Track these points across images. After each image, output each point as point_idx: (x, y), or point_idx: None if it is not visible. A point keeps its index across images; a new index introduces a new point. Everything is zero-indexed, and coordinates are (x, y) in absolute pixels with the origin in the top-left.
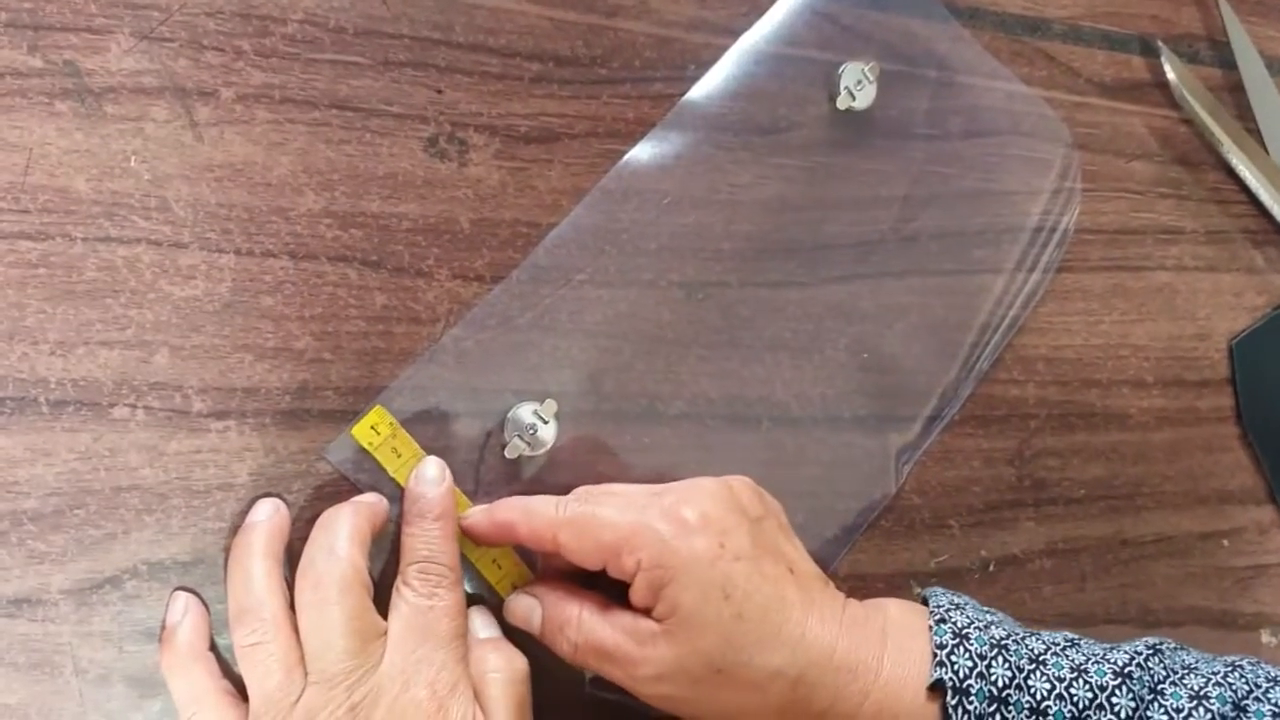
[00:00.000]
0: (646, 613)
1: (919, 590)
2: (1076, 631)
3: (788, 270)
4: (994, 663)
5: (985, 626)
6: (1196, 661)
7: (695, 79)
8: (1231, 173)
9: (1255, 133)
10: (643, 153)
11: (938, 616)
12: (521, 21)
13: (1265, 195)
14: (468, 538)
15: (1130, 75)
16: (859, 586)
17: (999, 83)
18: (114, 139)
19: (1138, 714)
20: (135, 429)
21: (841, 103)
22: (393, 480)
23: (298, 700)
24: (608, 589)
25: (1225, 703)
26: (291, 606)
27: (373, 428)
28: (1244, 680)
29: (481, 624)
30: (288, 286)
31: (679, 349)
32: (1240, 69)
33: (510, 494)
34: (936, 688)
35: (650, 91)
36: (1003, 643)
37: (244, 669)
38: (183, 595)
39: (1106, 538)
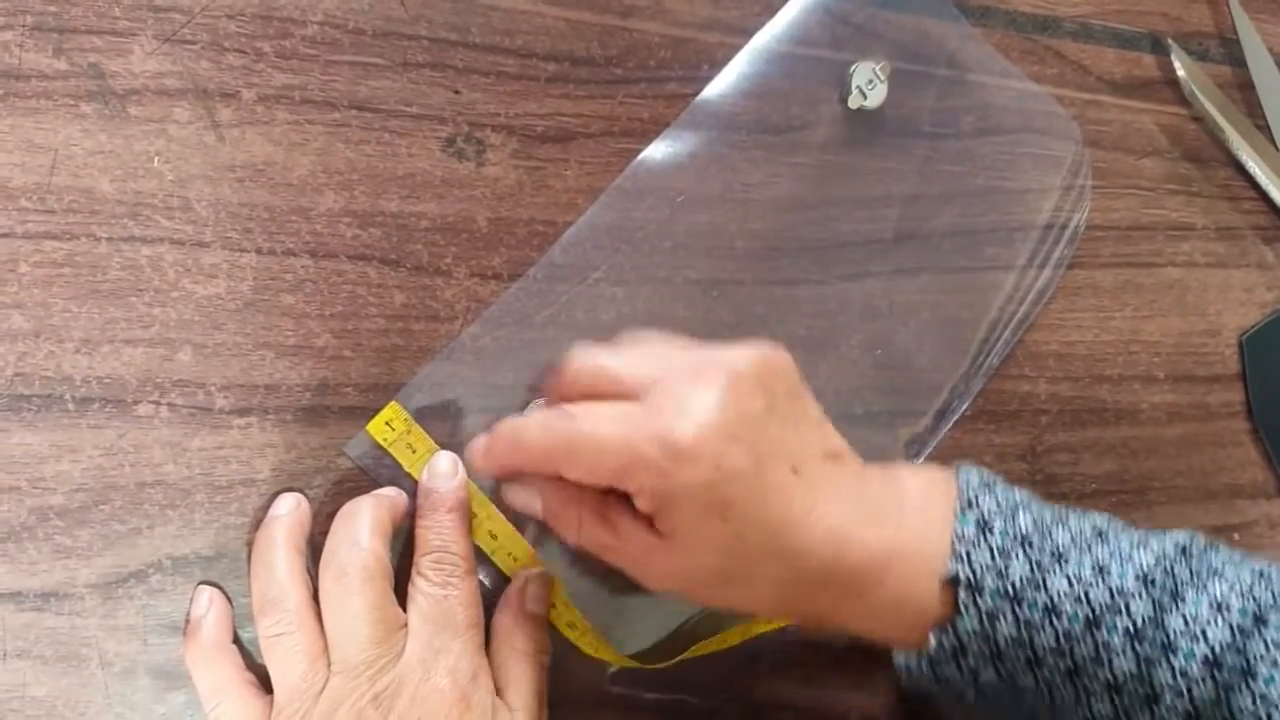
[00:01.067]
0: (649, 520)
1: (959, 467)
2: None
3: (801, 268)
4: (1014, 558)
5: (1012, 514)
6: (1225, 565)
7: (709, 79)
8: (1241, 169)
9: (1265, 129)
10: (657, 152)
11: (965, 500)
12: (538, 22)
13: (1275, 191)
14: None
15: (1140, 73)
16: None
17: (1010, 81)
18: (137, 140)
19: (1154, 619)
20: (159, 426)
21: (853, 102)
22: (408, 475)
23: (322, 690)
24: None
25: (1246, 614)
26: (315, 598)
27: (388, 424)
28: (1268, 590)
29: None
30: (308, 285)
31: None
32: (1250, 66)
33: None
34: (951, 578)
35: (665, 91)
36: (1027, 536)
37: (268, 660)
38: (207, 589)
39: None
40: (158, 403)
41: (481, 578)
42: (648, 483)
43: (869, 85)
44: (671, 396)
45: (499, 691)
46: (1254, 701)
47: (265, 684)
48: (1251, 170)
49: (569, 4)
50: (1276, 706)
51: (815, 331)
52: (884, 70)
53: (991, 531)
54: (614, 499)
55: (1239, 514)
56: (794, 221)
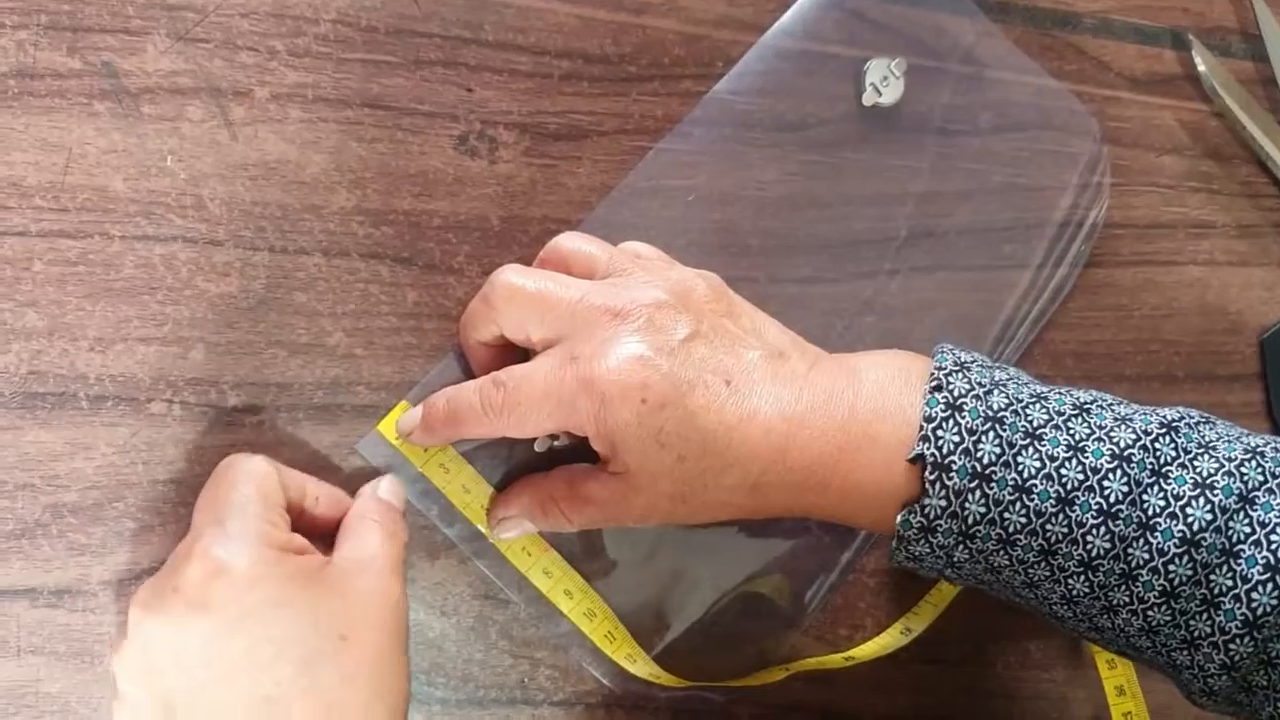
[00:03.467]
0: (607, 463)
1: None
2: None
3: (816, 266)
4: (984, 438)
5: (985, 393)
6: (1217, 440)
7: (723, 76)
8: (1263, 166)
9: None
10: (670, 149)
11: (934, 382)
12: (551, 20)
13: None
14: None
15: (1161, 69)
16: (886, 583)
17: (1028, 77)
18: (151, 138)
19: (1130, 498)
20: (172, 424)
21: (868, 99)
22: (420, 474)
23: None
24: None
25: (1231, 494)
26: None
27: (398, 423)
28: (1259, 469)
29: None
30: (320, 283)
31: None
32: (1272, 62)
33: None
34: (915, 458)
35: (678, 89)
36: (999, 414)
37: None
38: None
39: None
40: (171, 401)
41: (491, 573)
42: (589, 428)
43: (884, 82)
44: (592, 339)
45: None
46: (1235, 581)
47: None
48: (1274, 167)
49: (582, 1)
50: (1259, 585)
51: (830, 330)
52: (899, 66)
53: (961, 411)
54: (578, 473)
55: None
56: (808, 219)
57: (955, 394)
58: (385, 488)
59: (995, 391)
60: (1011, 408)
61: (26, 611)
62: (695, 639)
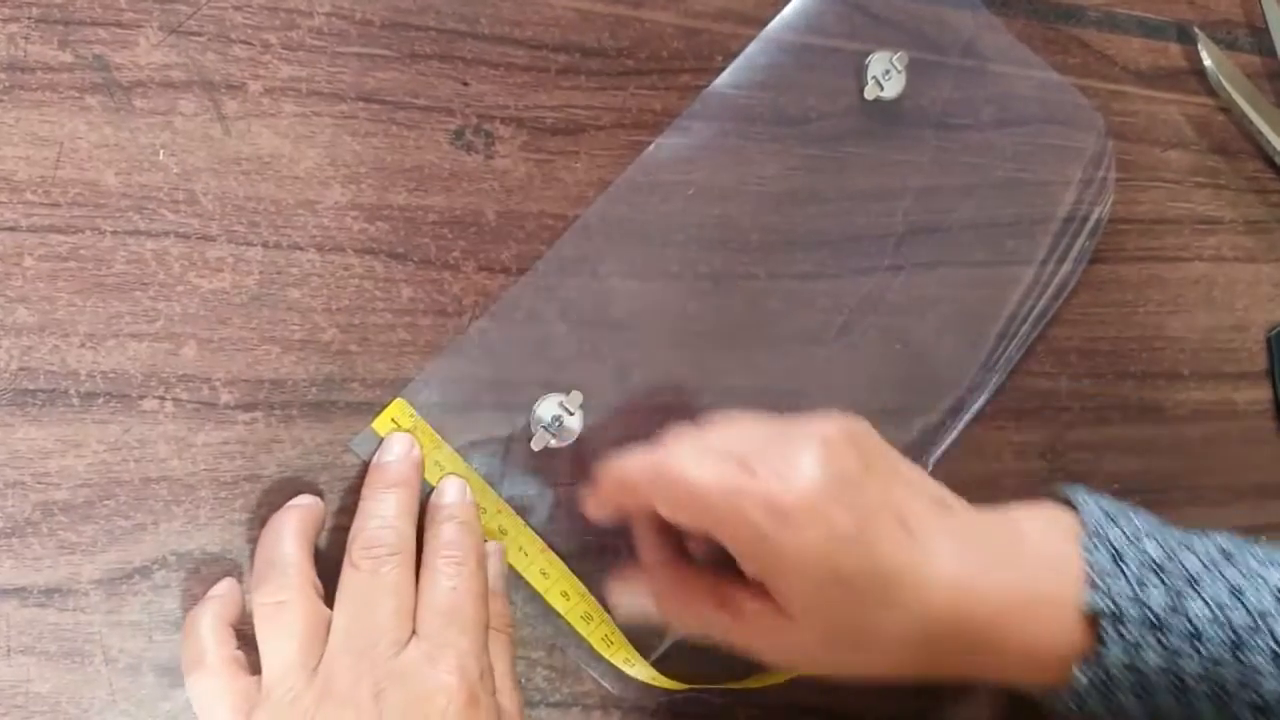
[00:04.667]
0: (763, 592)
1: (1062, 490)
2: None
3: (817, 261)
4: (1150, 585)
5: (1138, 540)
6: None
7: (722, 70)
8: (1270, 161)
9: None
10: (669, 144)
11: (1091, 530)
12: (548, 13)
13: None
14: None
15: (1167, 63)
16: None
17: (1031, 71)
18: (143, 133)
19: None
20: (164, 421)
21: (869, 92)
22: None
23: (316, 669)
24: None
25: None
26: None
27: (393, 420)
28: None
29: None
30: (314, 279)
31: (706, 341)
32: (1279, 55)
33: (536, 485)
34: (1090, 609)
35: (677, 83)
36: (1159, 562)
37: (262, 632)
38: (230, 580)
39: None
40: (163, 398)
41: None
42: (752, 547)
43: (886, 76)
44: (770, 462)
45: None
46: None
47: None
48: None
49: None
50: None
51: (830, 326)
52: (901, 60)
53: (1124, 560)
54: (727, 580)
55: (1267, 514)
56: (809, 214)
57: (1114, 542)
58: (494, 568)
59: (1146, 539)
60: (1166, 554)
61: (16, 611)
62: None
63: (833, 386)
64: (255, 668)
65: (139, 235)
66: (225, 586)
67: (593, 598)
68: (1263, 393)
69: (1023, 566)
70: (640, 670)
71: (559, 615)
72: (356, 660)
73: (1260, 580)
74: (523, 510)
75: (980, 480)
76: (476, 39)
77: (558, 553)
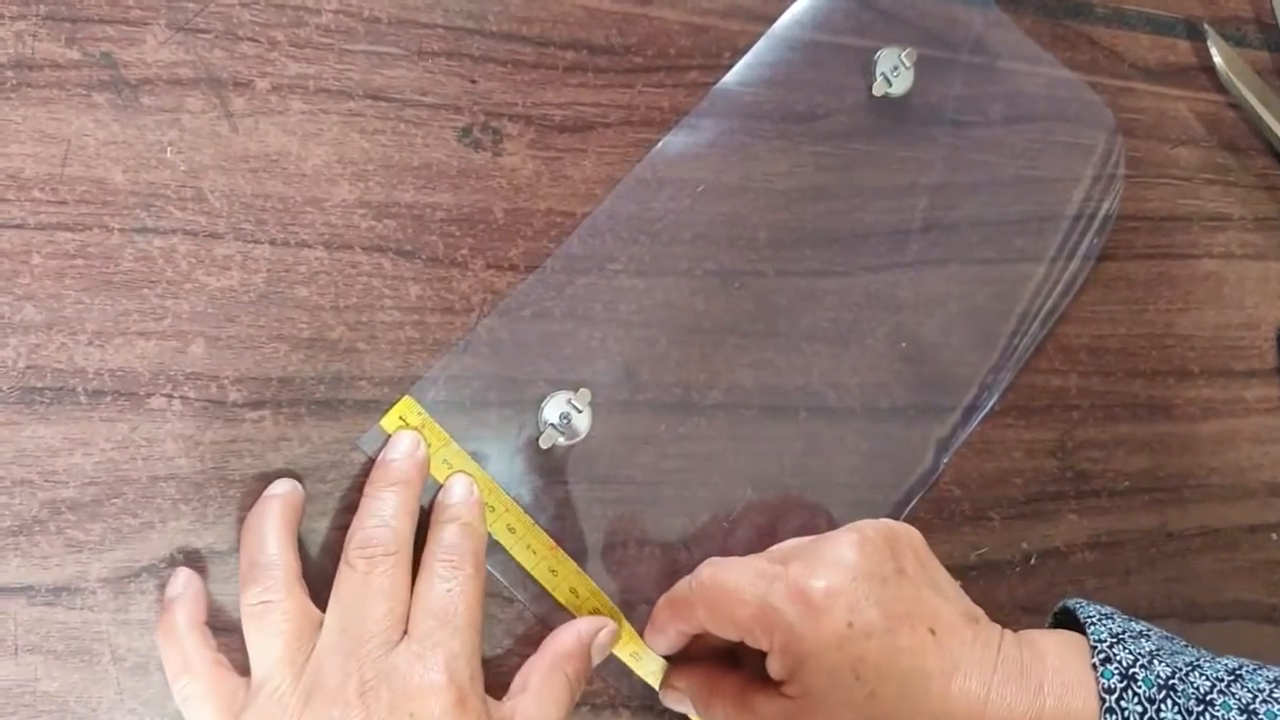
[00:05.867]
0: (782, 684)
1: (1067, 604)
2: None
3: (825, 259)
4: (1163, 707)
5: (1149, 662)
6: None
7: (730, 67)
8: None
9: None
10: (677, 141)
11: (1102, 655)
12: (555, 10)
13: None
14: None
15: (1176, 59)
16: None
17: (1040, 67)
18: (150, 130)
19: None
20: (172, 419)
21: (877, 89)
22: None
23: (304, 667)
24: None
25: None
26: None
27: (401, 418)
28: None
29: None
30: (322, 277)
31: (715, 338)
32: None
33: (543, 484)
34: None
35: (685, 80)
36: (1170, 683)
37: (250, 632)
38: (184, 570)
39: (1151, 530)
40: (170, 396)
41: (496, 571)
42: (780, 638)
43: (894, 72)
44: (804, 556)
45: (518, 697)
46: None
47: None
48: None
49: None
50: None
51: (839, 324)
52: (910, 57)
53: (1136, 681)
54: (752, 683)
55: (1277, 512)
56: (817, 212)
57: (1124, 664)
58: (602, 638)
59: (1156, 660)
60: (1177, 675)
61: (23, 609)
62: None
63: (840, 383)
64: (242, 669)
65: (146, 233)
66: (184, 581)
67: (603, 594)
68: (1272, 390)
69: (1043, 686)
70: (646, 665)
71: (568, 613)
72: (345, 659)
73: (1271, 700)
74: (531, 508)
75: (990, 478)
76: (484, 36)
77: (566, 550)
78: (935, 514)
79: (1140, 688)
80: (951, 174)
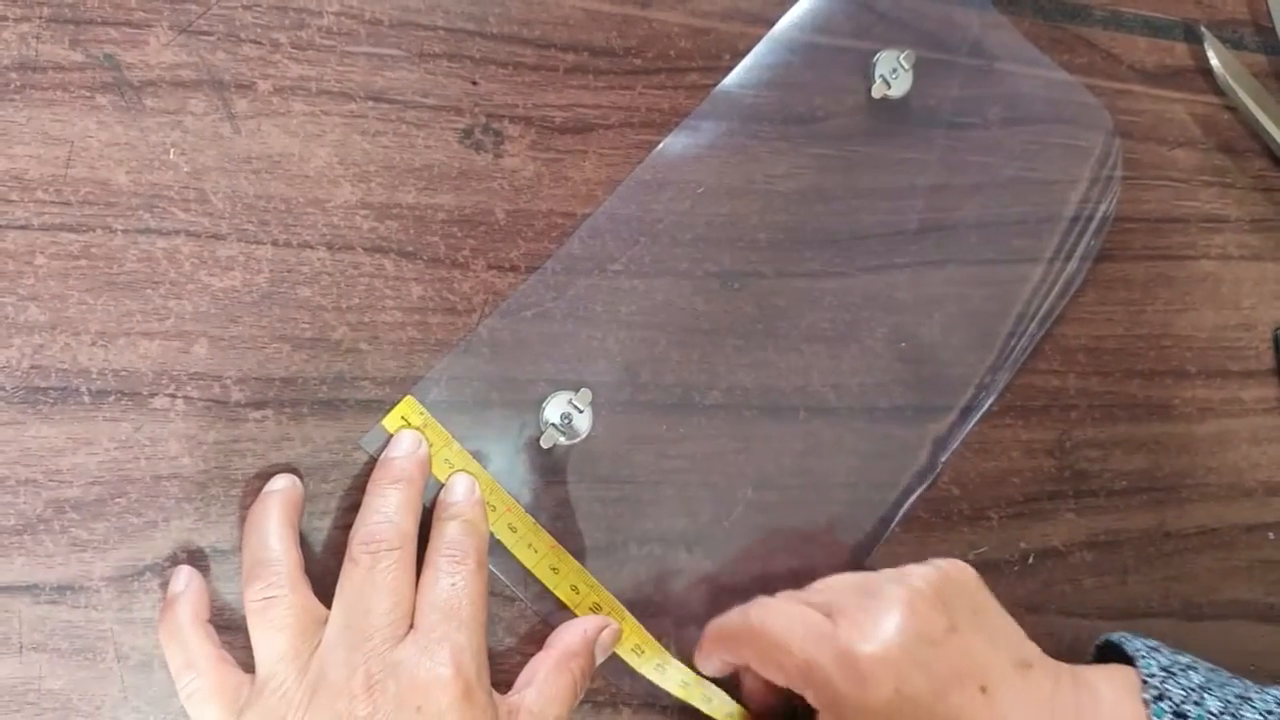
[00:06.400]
0: None
1: (1110, 638)
2: (1117, 625)
3: (824, 260)
4: None
5: (1200, 698)
6: None
7: (730, 69)
8: (1276, 160)
9: None
10: (677, 143)
11: (1154, 691)
12: (556, 12)
13: None
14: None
15: (1173, 61)
16: None
17: (1038, 70)
18: (153, 132)
19: None
20: (175, 419)
21: (876, 91)
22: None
23: (309, 662)
24: None
25: None
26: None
27: (403, 418)
28: None
29: None
30: (325, 277)
31: (715, 339)
32: None
33: (544, 484)
34: None
35: (685, 82)
36: (1221, 718)
37: (255, 628)
38: (186, 568)
39: (1149, 530)
40: (174, 395)
41: (498, 570)
42: (825, 697)
43: (893, 74)
44: (853, 616)
45: (523, 691)
46: None
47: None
48: None
49: None
50: None
51: (838, 324)
52: (908, 59)
53: (1187, 718)
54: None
55: (1274, 512)
56: (817, 213)
57: (1176, 700)
58: (605, 637)
59: (1207, 695)
60: (1229, 709)
61: (28, 608)
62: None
63: (840, 384)
64: (247, 667)
65: (150, 234)
66: (185, 578)
67: (604, 590)
68: (1270, 390)
69: None
70: (648, 659)
71: (569, 611)
72: (350, 653)
73: None
74: (532, 507)
75: (989, 478)
76: (485, 38)
77: (567, 549)
78: (934, 513)
79: None
80: (950, 175)
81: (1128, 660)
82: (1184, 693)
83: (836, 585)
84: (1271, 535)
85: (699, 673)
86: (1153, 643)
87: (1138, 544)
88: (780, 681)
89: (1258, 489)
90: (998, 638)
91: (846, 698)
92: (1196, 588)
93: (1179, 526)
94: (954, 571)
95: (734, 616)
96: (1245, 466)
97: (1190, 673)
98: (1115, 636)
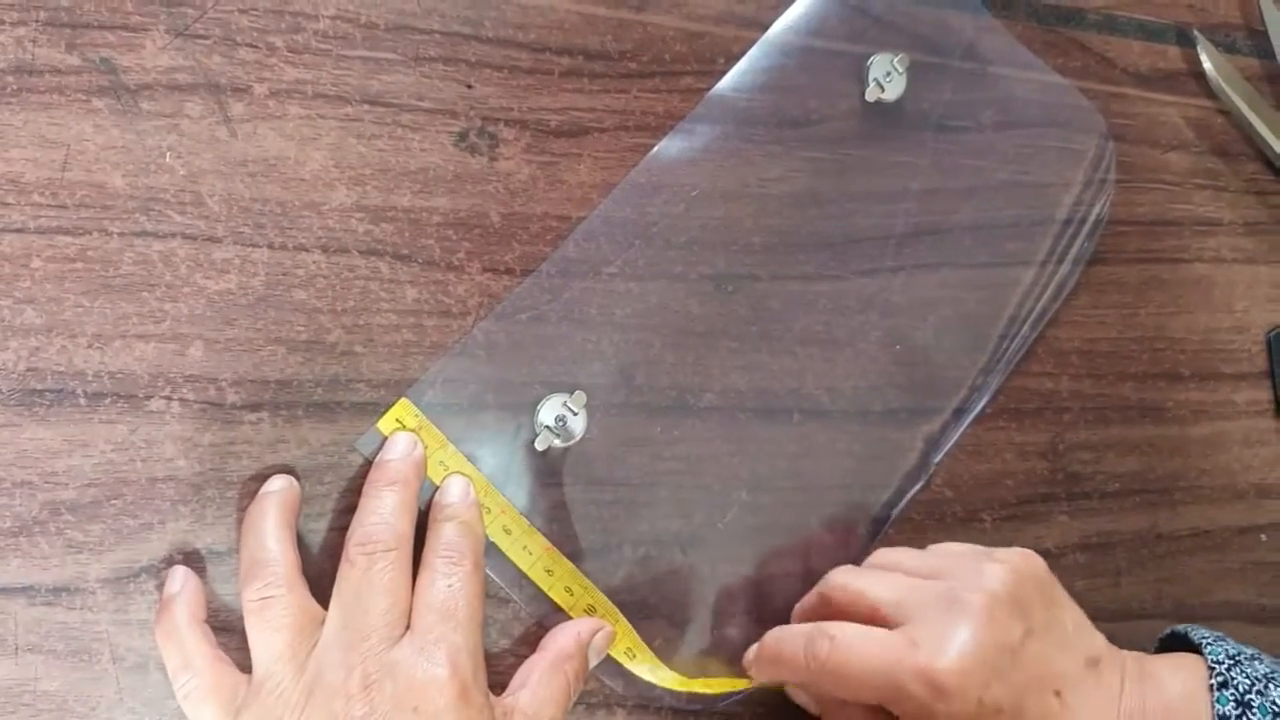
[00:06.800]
0: None
1: (1185, 631)
2: (1110, 627)
3: (818, 263)
4: None
5: (1265, 687)
6: None
7: (724, 72)
8: (1270, 163)
9: None
10: (672, 146)
11: (1220, 678)
12: (551, 16)
13: None
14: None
15: (1166, 65)
16: None
17: (1032, 73)
18: (149, 135)
19: None
20: (170, 421)
21: (870, 95)
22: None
23: (306, 662)
24: None
25: None
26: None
27: (398, 421)
28: None
29: None
30: (320, 280)
31: (709, 342)
32: (1278, 58)
33: (539, 486)
34: None
35: (680, 85)
36: None
37: (252, 628)
38: (181, 568)
39: (1142, 532)
40: (169, 398)
41: (492, 572)
42: (909, 711)
43: (887, 78)
44: (929, 629)
45: (518, 693)
46: None
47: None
48: None
49: None
50: None
51: (832, 327)
52: (902, 62)
53: (1251, 708)
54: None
55: (1266, 514)
56: (811, 216)
57: (1241, 690)
58: (599, 640)
59: (1272, 686)
60: None
61: (24, 610)
62: (697, 638)
63: (834, 386)
64: (244, 668)
65: (146, 237)
66: (181, 579)
67: (598, 592)
68: (1262, 393)
69: None
70: (642, 662)
71: (564, 613)
72: (347, 653)
73: None
74: (526, 509)
75: (982, 480)
76: (480, 42)
77: (561, 551)
78: (927, 515)
79: (1255, 715)
80: (943, 179)
81: (1195, 652)
82: (1249, 681)
83: (905, 585)
84: (1264, 537)
85: (696, 676)
86: (1219, 633)
87: (1130, 546)
88: (853, 700)
89: (1250, 491)
90: (1068, 636)
91: (931, 710)
92: (1189, 589)
93: (1171, 528)
94: (1026, 567)
95: (796, 646)
96: (1238, 469)
97: (1255, 663)
98: (1181, 628)
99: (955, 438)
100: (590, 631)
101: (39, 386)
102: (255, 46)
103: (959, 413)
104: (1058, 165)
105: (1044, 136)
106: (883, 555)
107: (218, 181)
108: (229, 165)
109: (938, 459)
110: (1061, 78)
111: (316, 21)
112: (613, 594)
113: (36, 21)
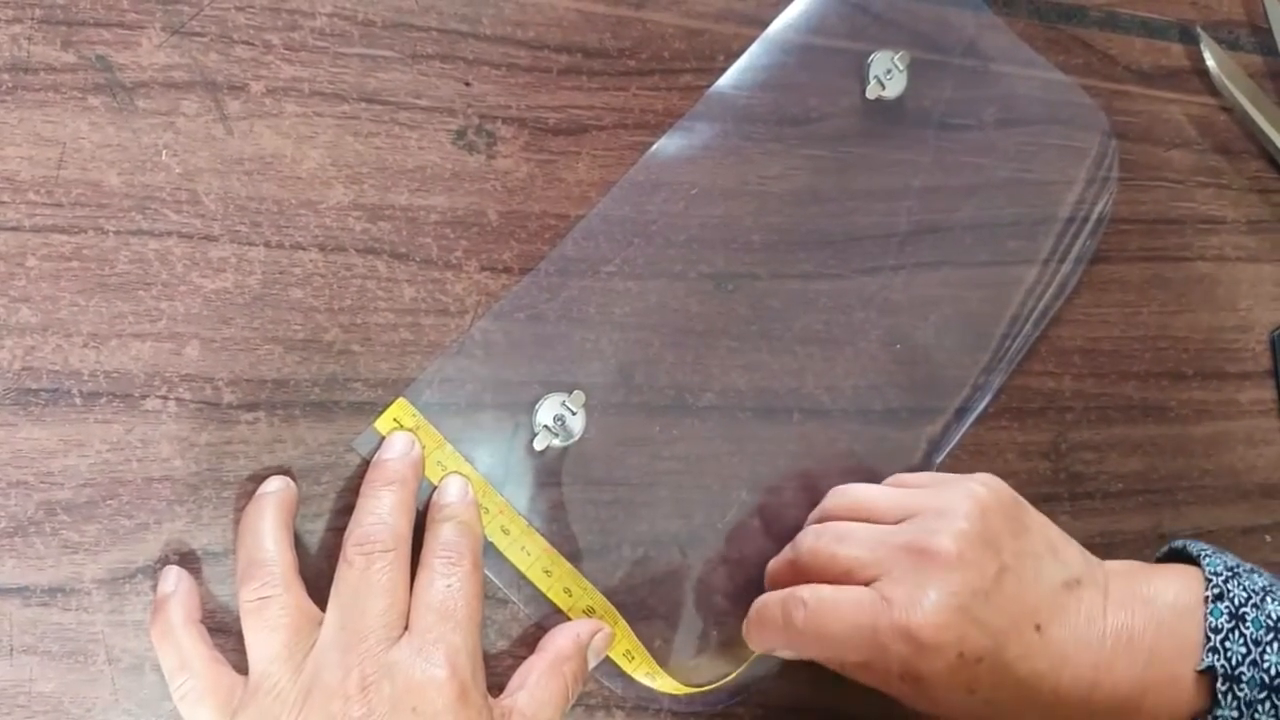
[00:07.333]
0: None
1: (1183, 545)
2: None
3: (819, 261)
4: (1269, 648)
5: (1261, 601)
6: None
7: (724, 70)
8: (1273, 161)
9: None
10: (671, 144)
11: (1215, 590)
12: (550, 14)
13: None
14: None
15: (1169, 62)
16: None
17: (1033, 71)
18: (145, 133)
19: None
20: (167, 420)
21: (871, 92)
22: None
23: (303, 662)
24: None
25: None
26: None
27: (396, 420)
28: None
29: None
30: (317, 279)
31: (708, 341)
32: None
33: (537, 486)
34: (1206, 669)
35: (679, 83)
36: (1279, 625)
37: (249, 628)
38: (175, 568)
39: (1145, 532)
40: (165, 397)
41: (490, 573)
42: (894, 669)
43: (887, 75)
44: (902, 584)
45: (516, 694)
46: None
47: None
48: None
49: None
50: None
51: (833, 326)
52: (903, 60)
53: (1244, 621)
54: None
55: (1270, 514)
56: (811, 214)
57: (1236, 603)
58: (598, 641)
59: (1269, 599)
60: None
61: (19, 610)
62: (696, 639)
63: (834, 386)
64: (240, 670)
65: (142, 235)
66: (174, 579)
67: (597, 593)
68: (1266, 392)
69: (1152, 656)
70: (640, 665)
71: (562, 614)
72: (345, 654)
73: None
74: (525, 510)
75: None
76: (478, 39)
77: (560, 551)
78: None
79: (1248, 628)
80: (945, 177)
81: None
82: (1245, 594)
83: (870, 540)
84: (1268, 538)
85: (694, 683)
86: (1230, 555)
87: (1134, 546)
88: (849, 660)
89: (1254, 491)
90: (1042, 563)
91: (914, 667)
92: None
93: (1175, 528)
94: (991, 498)
95: (774, 614)
96: (1241, 468)
97: (1254, 575)
98: (1179, 543)
99: (957, 438)
100: (589, 633)
101: (34, 386)
102: (252, 44)
103: (960, 412)
104: (1060, 163)
105: (1046, 134)
106: (845, 494)
107: (214, 180)
108: (225, 163)
109: (939, 459)
110: (1063, 75)
111: (313, 19)
112: (611, 594)
113: (32, 19)
